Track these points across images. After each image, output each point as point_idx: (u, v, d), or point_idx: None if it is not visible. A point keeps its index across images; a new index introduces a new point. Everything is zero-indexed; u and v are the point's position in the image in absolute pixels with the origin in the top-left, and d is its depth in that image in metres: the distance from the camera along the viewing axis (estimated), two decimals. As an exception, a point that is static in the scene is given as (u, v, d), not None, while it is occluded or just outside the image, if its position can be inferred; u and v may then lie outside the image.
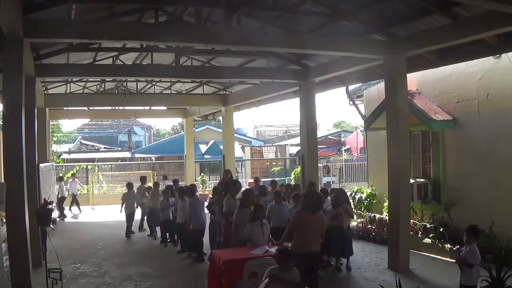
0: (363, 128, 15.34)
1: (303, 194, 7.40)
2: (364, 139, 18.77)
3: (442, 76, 9.79)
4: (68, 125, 41.86)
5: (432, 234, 9.25)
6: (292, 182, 16.80)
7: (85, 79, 14.35)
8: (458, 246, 5.53)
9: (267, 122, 45.68)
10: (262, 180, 15.97)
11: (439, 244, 8.91)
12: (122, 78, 14.26)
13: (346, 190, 10.10)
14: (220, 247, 7.86)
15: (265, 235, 6.86)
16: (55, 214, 13.74)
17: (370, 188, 12.30)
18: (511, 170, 8.31)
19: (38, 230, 7.16)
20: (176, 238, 10.60)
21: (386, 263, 8.29)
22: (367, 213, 11.47)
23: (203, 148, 27.47)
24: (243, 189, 8.84)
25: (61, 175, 17.11)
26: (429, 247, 9.11)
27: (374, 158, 12.39)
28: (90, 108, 18.38)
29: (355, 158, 21.62)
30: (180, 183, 13.96)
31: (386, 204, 10.13)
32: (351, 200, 11.35)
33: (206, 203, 9.57)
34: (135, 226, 12.30)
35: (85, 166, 22.81)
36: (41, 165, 9.54)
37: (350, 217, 8.80)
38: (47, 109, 14.09)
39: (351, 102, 13.04)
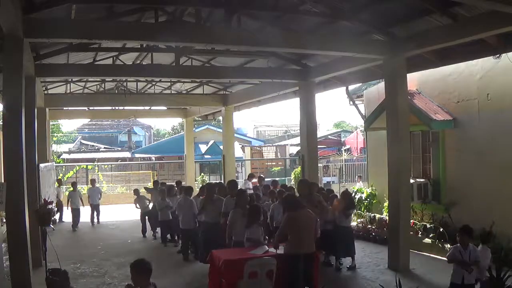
0: (363, 128, 15.34)
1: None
2: (364, 139, 18.76)
3: (442, 76, 9.79)
4: (68, 125, 41.88)
5: (432, 234, 9.27)
6: (292, 182, 16.80)
7: (85, 79, 14.33)
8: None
9: (267, 122, 45.78)
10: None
11: (439, 244, 8.92)
12: (122, 78, 14.24)
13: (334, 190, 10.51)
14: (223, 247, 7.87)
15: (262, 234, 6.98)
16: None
17: (370, 188, 12.30)
18: (511, 170, 8.32)
19: (38, 230, 7.16)
20: (176, 238, 10.63)
21: (386, 263, 8.29)
22: (367, 213, 11.47)
23: (203, 148, 27.43)
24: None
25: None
26: (429, 247, 9.12)
27: (374, 158, 12.40)
28: (90, 108, 18.36)
29: (355, 158, 21.61)
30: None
31: (386, 204, 10.14)
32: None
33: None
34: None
35: (85, 166, 22.80)
36: (41, 165, 9.52)
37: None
38: (47, 109, 14.06)
39: (351, 102, 13.05)
